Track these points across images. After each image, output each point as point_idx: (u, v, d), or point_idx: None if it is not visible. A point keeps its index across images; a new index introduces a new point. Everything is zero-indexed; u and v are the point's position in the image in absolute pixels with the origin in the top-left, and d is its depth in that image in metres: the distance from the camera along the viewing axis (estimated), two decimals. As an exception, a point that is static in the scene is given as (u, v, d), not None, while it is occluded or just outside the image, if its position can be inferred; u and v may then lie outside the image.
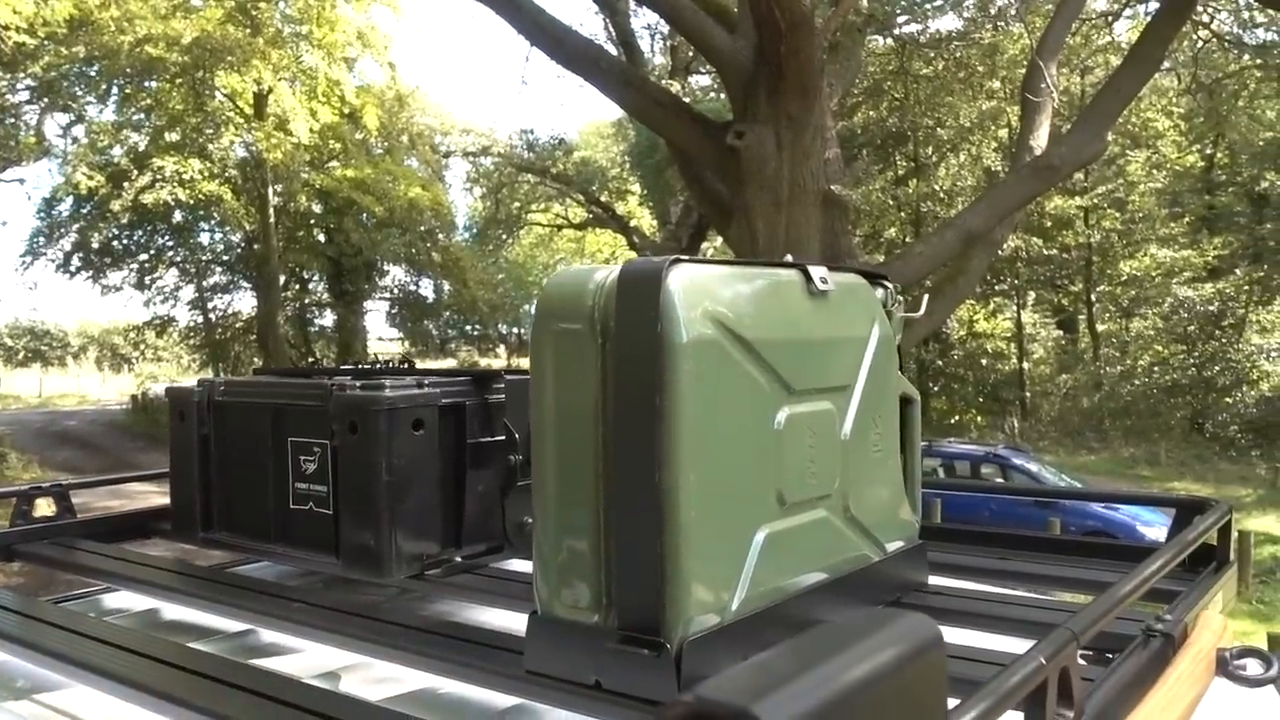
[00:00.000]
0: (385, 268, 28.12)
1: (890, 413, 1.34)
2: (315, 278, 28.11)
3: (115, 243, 24.36)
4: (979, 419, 24.20)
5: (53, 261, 23.51)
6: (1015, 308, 26.01)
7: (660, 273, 0.98)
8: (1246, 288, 22.50)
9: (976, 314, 25.74)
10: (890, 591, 1.32)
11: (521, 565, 1.53)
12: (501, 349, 35.26)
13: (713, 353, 1.01)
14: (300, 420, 1.58)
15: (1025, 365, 25.83)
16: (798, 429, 1.12)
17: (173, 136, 21.55)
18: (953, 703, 0.71)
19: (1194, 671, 0.99)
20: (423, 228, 24.83)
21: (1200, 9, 12.86)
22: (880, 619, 0.47)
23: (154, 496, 1.85)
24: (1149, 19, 10.69)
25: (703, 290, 1.01)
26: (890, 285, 1.38)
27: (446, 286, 27.62)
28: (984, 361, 25.90)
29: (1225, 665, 1.04)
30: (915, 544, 1.38)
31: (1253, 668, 1.04)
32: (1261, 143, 22.78)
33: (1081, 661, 1.14)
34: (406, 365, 1.82)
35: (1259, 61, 17.42)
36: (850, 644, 0.41)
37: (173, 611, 1.58)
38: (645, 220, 29.42)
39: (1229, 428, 21.26)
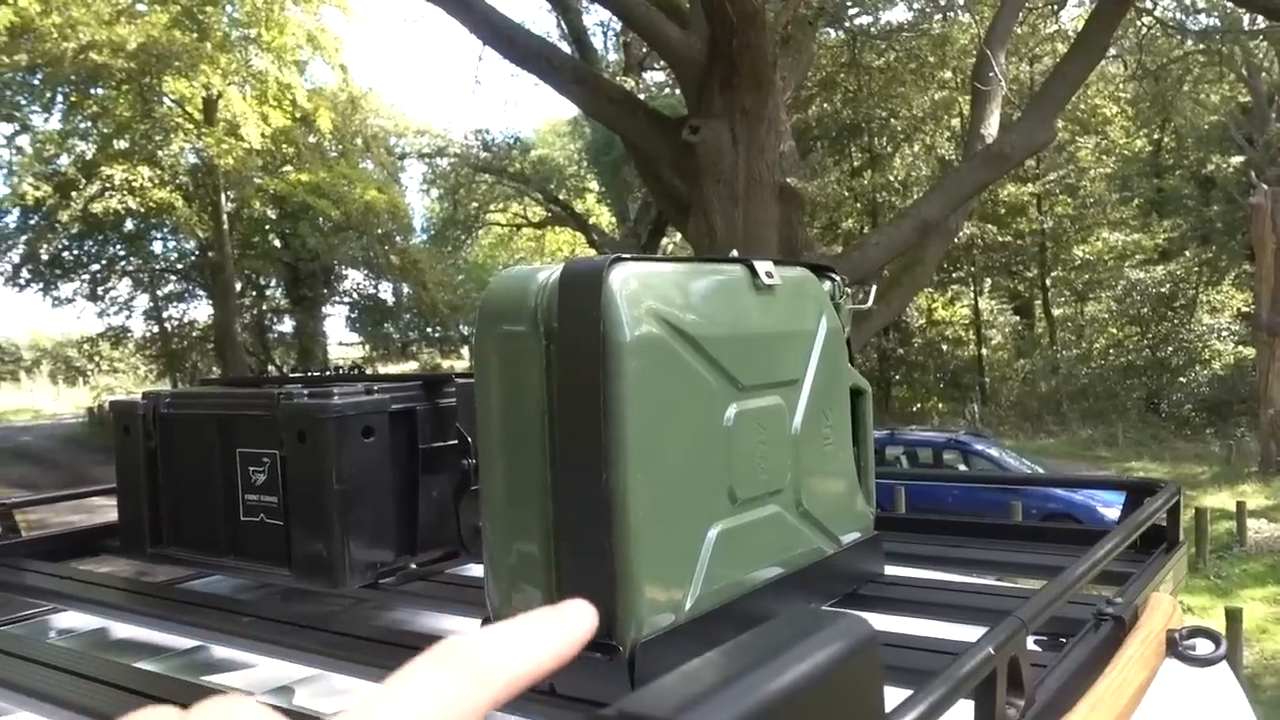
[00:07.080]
0: (343, 272, 27.90)
1: (841, 405, 1.34)
2: (272, 284, 27.80)
3: (65, 253, 23.93)
4: (940, 406, 24.46)
5: (1, 274, 23.09)
6: (972, 295, 26.31)
7: (601, 271, 0.97)
8: (1196, 269, 22.93)
9: (935, 302, 26.01)
10: (846, 584, 1.31)
11: (477, 570, 1.51)
12: (465, 350, 35.10)
13: (657, 350, 1.00)
14: (248, 431, 1.55)
15: (984, 351, 26.14)
16: (747, 425, 1.12)
17: (121, 144, 21.21)
18: (905, 694, 0.71)
19: (1144, 654, 1.00)
20: (380, 230, 24.63)
21: (1144, -4, 13.07)
22: (814, 621, 0.46)
23: (112, 511, 1.81)
24: (1094, 6, 10.83)
25: (645, 288, 1.00)
26: (838, 278, 1.37)
27: (406, 289, 27.43)
28: (944, 349, 26.19)
29: (1175, 646, 1.05)
30: (870, 535, 1.38)
31: (1203, 647, 1.05)
32: (1206, 126, 23.22)
33: (1035, 647, 1.14)
34: (356, 372, 1.80)
35: (1201, 46, 17.74)
36: (783, 649, 0.40)
37: (122, 630, 1.55)
38: (604, 218, 29.42)
39: (1183, 407, 21.66)
